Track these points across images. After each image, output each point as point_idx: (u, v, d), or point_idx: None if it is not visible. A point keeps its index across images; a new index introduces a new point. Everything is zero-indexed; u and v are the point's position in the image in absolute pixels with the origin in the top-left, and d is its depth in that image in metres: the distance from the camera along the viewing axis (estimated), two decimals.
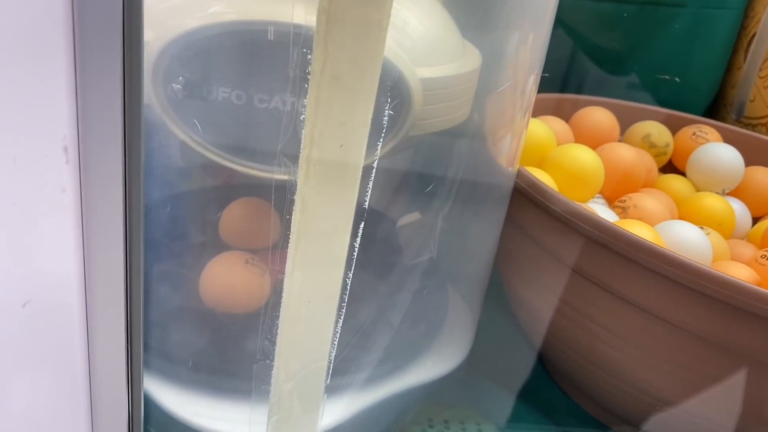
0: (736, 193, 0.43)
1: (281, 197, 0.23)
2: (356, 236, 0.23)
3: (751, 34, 0.54)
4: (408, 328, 0.32)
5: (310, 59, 0.19)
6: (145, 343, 0.29)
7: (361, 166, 0.21)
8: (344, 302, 0.24)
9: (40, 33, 0.15)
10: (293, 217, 0.21)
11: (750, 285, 0.26)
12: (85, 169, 0.17)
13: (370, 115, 0.21)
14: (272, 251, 0.28)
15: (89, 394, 0.20)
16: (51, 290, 0.18)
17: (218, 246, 0.32)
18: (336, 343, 0.25)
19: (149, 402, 0.28)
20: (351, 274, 0.23)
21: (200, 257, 0.31)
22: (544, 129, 0.39)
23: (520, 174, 0.33)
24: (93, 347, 0.19)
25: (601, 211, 0.36)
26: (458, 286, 0.35)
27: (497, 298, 0.36)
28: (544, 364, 0.39)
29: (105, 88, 0.16)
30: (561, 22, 0.30)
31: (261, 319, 0.24)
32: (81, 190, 0.17)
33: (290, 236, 0.22)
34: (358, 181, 0.21)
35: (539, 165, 0.38)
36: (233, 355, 0.29)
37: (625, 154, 0.39)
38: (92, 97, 0.16)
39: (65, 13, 0.15)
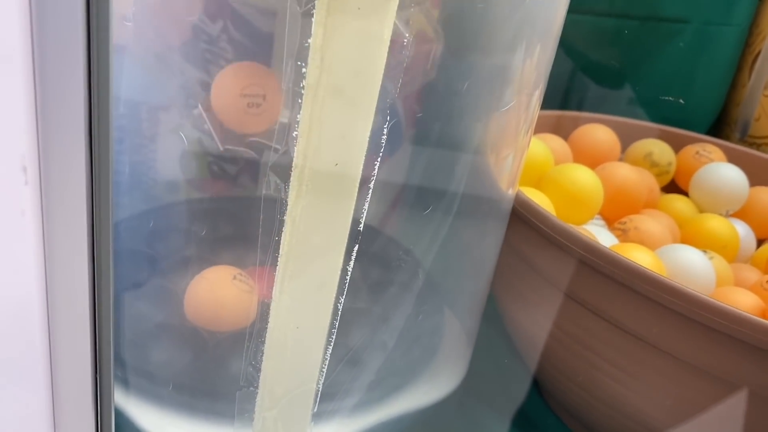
0: (740, 214, 0.42)
1: (271, 216, 0.21)
2: (349, 259, 0.22)
3: (756, 51, 0.53)
4: (402, 351, 0.30)
5: (304, 73, 0.18)
6: (124, 362, 0.28)
7: (357, 186, 0.20)
8: (335, 328, 0.23)
9: None
10: (282, 238, 0.20)
11: (753, 317, 0.24)
12: (47, 191, 0.15)
13: (368, 133, 0.19)
14: (259, 268, 0.27)
15: (53, 425, 0.19)
16: (11, 317, 0.16)
17: (204, 260, 0.31)
18: (325, 370, 0.24)
19: (127, 423, 0.27)
20: (343, 299, 0.22)
21: (185, 272, 0.30)
22: (541, 148, 0.38)
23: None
24: (57, 376, 0.18)
25: (600, 233, 0.35)
26: (455, 309, 0.34)
27: (493, 322, 0.35)
28: (540, 392, 0.37)
29: (67, 102, 0.15)
30: (562, 37, 0.29)
31: (245, 344, 0.23)
32: (42, 212, 0.15)
33: (279, 259, 0.21)
34: (354, 203, 0.20)
35: (536, 185, 0.36)
36: (216, 376, 0.28)
37: (626, 173, 0.38)
38: (53, 112, 0.15)
39: (22, 18, 0.14)
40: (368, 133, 0.19)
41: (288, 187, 0.20)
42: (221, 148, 0.28)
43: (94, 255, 0.17)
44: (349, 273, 0.22)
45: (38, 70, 0.14)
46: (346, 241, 0.21)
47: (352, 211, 0.20)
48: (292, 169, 0.19)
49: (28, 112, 0.14)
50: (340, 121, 0.19)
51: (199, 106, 0.27)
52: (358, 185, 0.20)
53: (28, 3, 0.14)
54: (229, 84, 0.26)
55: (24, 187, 0.15)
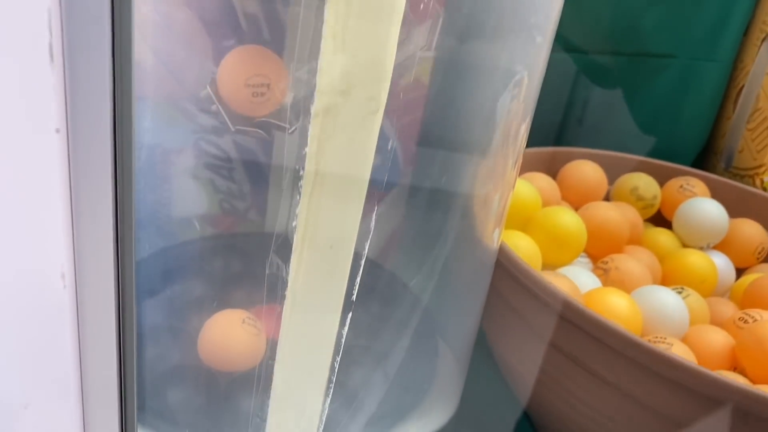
0: (721, 246, 0.44)
1: (273, 289, 0.24)
2: (344, 325, 0.24)
3: (740, 86, 0.55)
4: (399, 387, 0.33)
5: (302, 175, 0.21)
6: (144, 402, 0.30)
7: (350, 264, 0.23)
8: (332, 383, 0.25)
9: (34, 170, 0.16)
10: (284, 311, 0.23)
11: (709, 372, 0.26)
12: (81, 293, 0.18)
13: (359, 218, 0.22)
14: (267, 310, 0.29)
15: None
16: (50, 393, 0.19)
17: (215, 299, 0.33)
18: (324, 419, 0.26)
19: None
20: (339, 359, 0.25)
21: (199, 311, 0.32)
22: (529, 190, 0.40)
23: None
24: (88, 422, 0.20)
25: (583, 274, 0.37)
26: (449, 343, 0.36)
27: (485, 352, 0.37)
28: (533, 425, 0.39)
29: (97, 223, 0.17)
30: (551, 73, 0.31)
31: (252, 400, 0.26)
32: (77, 315, 0.18)
33: (281, 327, 0.23)
34: (346, 279, 0.23)
35: (524, 228, 0.39)
36: (228, 416, 0.30)
37: (608, 214, 0.41)
38: (85, 231, 0.17)
39: (60, 153, 0.16)
40: (359, 218, 0.22)
41: (288, 268, 0.22)
42: (232, 129, 0.29)
43: (121, 352, 0.19)
44: (344, 337, 0.25)
45: (74, 200, 0.17)
46: (340, 310, 0.23)
47: (345, 286, 0.23)
48: (292, 252, 0.22)
49: (66, 232, 0.17)
50: (333, 211, 0.22)
51: (208, 87, 0.28)
52: (350, 263, 0.23)
53: (66, 147, 0.16)
54: (234, 73, 0.27)
55: (63, 291, 0.18)
